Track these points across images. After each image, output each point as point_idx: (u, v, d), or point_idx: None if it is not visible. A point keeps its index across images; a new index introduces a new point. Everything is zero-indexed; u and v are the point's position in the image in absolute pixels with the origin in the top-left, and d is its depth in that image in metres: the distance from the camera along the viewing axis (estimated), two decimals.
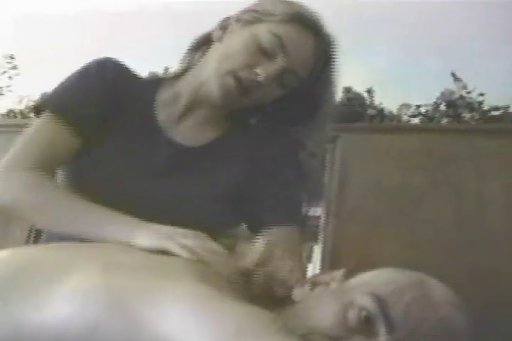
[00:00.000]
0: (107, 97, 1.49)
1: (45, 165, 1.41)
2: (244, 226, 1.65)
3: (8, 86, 3.81)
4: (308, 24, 1.47)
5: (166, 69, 1.65)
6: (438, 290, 1.04)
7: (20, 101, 3.69)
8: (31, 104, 3.60)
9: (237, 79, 1.44)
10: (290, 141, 1.54)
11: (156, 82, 1.60)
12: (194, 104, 1.56)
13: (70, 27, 3.77)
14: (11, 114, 3.68)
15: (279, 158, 1.56)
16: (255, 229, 1.55)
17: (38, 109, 1.50)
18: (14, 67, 3.82)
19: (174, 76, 1.61)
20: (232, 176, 1.52)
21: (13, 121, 3.55)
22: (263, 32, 1.45)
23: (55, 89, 1.52)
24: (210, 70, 1.49)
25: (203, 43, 1.58)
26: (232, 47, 1.48)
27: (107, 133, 1.49)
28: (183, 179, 1.49)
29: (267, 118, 1.62)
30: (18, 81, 3.82)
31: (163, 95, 1.57)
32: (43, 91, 3.51)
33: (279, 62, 1.43)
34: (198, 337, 0.81)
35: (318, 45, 1.47)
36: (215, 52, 1.51)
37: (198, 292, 0.91)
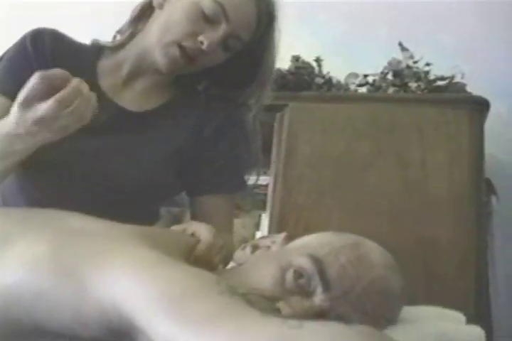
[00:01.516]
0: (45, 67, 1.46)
1: None
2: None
3: None
4: None
5: (115, 36, 1.62)
6: (374, 252, 1.07)
7: None
8: None
9: (182, 48, 1.45)
10: (235, 107, 1.60)
11: (97, 51, 1.61)
12: (138, 72, 1.57)
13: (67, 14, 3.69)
14: None
15: (223, 126, 1.60)
16: (193, 194, 1.57)
17: None
18: None
19: (117, 45, 1.60)
20: (174, 142, 1.54)
21: None
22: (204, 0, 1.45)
23: None
24: (153, 40, 1.50)
25: (145, 10, 1.59)
26: (173, 16, 1.48)
27: None
28: (123, 141, 1.49)
29: (213, 84, 1.64)
30: None
31: (106, 63, 1.59)
32: None
33: (222, 29, 1.45)
34: (143, 301, 0.82)
35: (259, 7, 1.50)
36: (157, 20, 1.52)
37: (144, 256, 0.92)
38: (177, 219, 2.38)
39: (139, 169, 1.50)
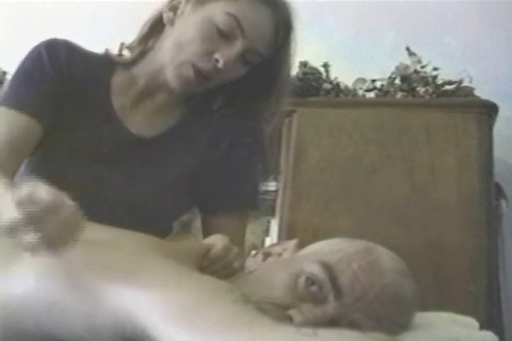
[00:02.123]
0: (61, 85, 1.44)
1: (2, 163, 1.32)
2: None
3: None
4: None
5: (122, 44, 1.58)
6: (385, 258, 1.07)
7: None
8: None
9: (196, 69, 1.39)
10: (249, 122, 1.53)
11: (110, 65, 1.54)
12: (150, 91, 1.51)
13: (22, 3, 3.70)
14: None
15: (238, 142, 1.55)
16: (206, 212, 1.55)
17: None
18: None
19: (128, 62, 1.54)
20: (188, 164, 1.52)
21: None
22: (217, 13, 1.39)
23: (8, 83, 1.45)
24: (166, 59, 1.43)
25: (155, 28, 1.51)
26: (186, 33, 1.41)
27: (63, 121, 1.45)
28: (132, 169, 1.46)
29: (227, 99, 1.56)
30: None
31: (118, 80, 1.52)
32: (1, 70, 3.46)
33: (238, 44, 1.38)
34: (155, 312, 0.82)
35: (276, 18, 1.42)
36: (169, 37, 1.45)
37: (156, 266, 0.92)
38: (186, 226, 2.38)
39: (152, 196, 1.46)
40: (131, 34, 1.54)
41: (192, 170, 1.54)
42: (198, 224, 1.71)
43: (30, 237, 0.86)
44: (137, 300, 0.85)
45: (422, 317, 1.16)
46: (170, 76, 1.42)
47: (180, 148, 1.52)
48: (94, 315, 0.88)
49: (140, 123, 1.51)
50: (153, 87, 1.50)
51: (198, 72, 1.39)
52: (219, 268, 1.17)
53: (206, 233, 1.51)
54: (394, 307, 1.02)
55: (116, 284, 0.88)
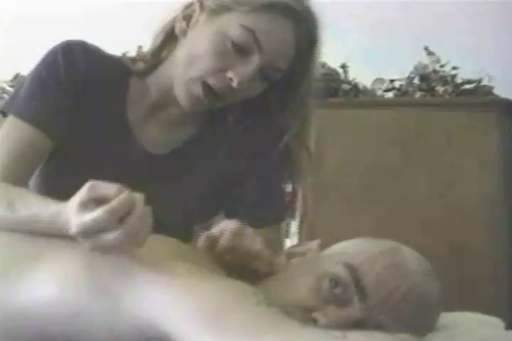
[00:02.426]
0: (75, 95, 1.38)
1: (10, 174, 1.29)
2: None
3: None
4: (283, 9, 1.28)
5: (140, 47, 1.53)
6: (410, 258, 1.05)
7: None
8: (4, 85, 3.57)
9: (206, 86, 1.28)
10: (270, 131, 1.43)
11: (126, 74, 1.45)
12: (163, 103, 1.44)
13: (41, 7, 3.72)
14: None
15: (258, 154, 1.47)
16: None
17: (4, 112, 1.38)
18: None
19: (142, 72, 1.44)
20: (207, 179, 1.46)
21: None
22: (232, 26, 1.27)
23: (22, 89, 1.39)
24: (177, 74, 1.34)
25: (169, 38, 1.40)
26: (198, 47, 1.31)
27: (75, 135, 1.39)
28: (148, 187, 1.39)
29: (245, 111, 1.45)
30: None
31: (134, 90, 1.45)
32: (16, 72, 3.48)
33: (254, 61, 1.27)
34: (180, 316, 0.81)
35: (298, 31, 1.29)
36: (182, 49, 1.36)
37: (176, 270, 0.92)
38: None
39: (171, 213, 1.40)
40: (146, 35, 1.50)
41: (211, 184, 1.46)
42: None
43: (113, 236, 0.88)
44: (160, 305, 0.84)
45: (447, 317, 1.15)
46: (179, 93, 1.33)
47: (196, 162, 1.45)
48: (117, 322, 0.87)
49: (154, 137, 1.44)
50: (166, 100, 1.41)
51: (208, 89, 1.28)
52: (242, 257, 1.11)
53: None
54: (419, 308, 1.01)
55: (136, 290, 0.88)
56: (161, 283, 0.88)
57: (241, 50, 1.26)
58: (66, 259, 0.97)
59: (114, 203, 0.88)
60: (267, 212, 1.48)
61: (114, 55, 1.48)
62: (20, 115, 1.34)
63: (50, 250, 1.01)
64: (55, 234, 1.01)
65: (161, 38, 1.40)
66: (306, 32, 1.30)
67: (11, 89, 3.59)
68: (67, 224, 0.94)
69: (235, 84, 1.25)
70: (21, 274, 0.99)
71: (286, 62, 1.31)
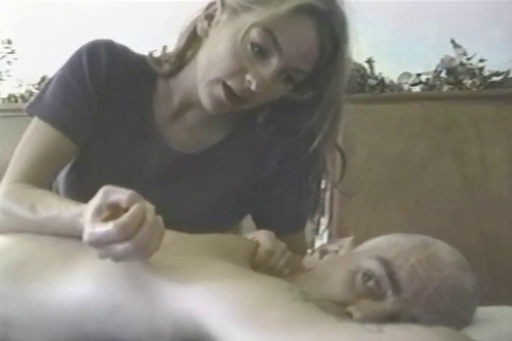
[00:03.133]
0: (99, 97, 1.38)
1: (33, 176, 1.30)
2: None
3: (8, 71, 3.80)
4: (305, 8, 1.23)
5: (165, 47, 1.52)
6: (443, 251, 1.05)
7: (20, 86, 3.69)
8: (31, 87, 3.61)
9: (227, 88, 1.26)
10: (299, 135, 1.39)
11: (152, 75, 1.45)
12: (188, 104, 1.43)
13: (67, 9, 3.75)
14: (11, 98, 3.68)
15: (289, 159, 1.45)
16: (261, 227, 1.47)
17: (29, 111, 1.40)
18: (12, 52, 3.81)
19: (167, 73, 1.44)
20: (231, 182, 1.45)
21: (14, 106, 3.55)
22: (251, 26, 1.23)
23: (47, 91, 1.39)
24: (198, 76, 1.32)
25: (192, 38, 1.39)
26: (217, 48, 1.28)
27: (100, 137, 1.40)
28: (178, 188, 1.42)
29: (274, 112, 1.43)
30: (16, 65, 3.81)
31: (160, 91, 1.45)
32: (42, 75, 3.52)
33: (273, 63, 1.24)
34: (217, 311, 0.82)
35: (321, 32, 1.25)
36: (204, 50, 1.34)
37: (214, 266, 0.92)
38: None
39: (197, 214, 1.41)
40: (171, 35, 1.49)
41: (239, 187, 1.46)
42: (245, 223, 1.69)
43: (123, 247, 0.88)
44: (197, 301, 0.85)
45: (483, 311, 1.14)
46: (201, 94, 1.31)
47: (224, 164, 1.44)
48: (154, 317, 0.88)
49: (181, 137, 1.44)
50: (190, 102, 1.40)
51: (229, 91, 1.26)
52: (262, 270, 1.13)
53: None
54: (454, 301, 1.01)
55: (175, 286, 0.88)
56: (198, 278, 0.88)
57: (260, 52, 1.23)
58: None
59: (125, 219, 0.89)
60: (294, 219, 1.48)
61: (141, 55, 1.47)
62: (44, 117, 1.36)
63: (83, 249, 1.02)
64: (75, 235, 1.02)
65: (185, 39, 1.39)
66: (330, 32, 1.25)
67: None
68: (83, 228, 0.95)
69: (253, 86, 1.23)
70: (56, 273, 1.00)
71: (310, 63, 1.27)
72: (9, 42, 3.82)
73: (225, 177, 1.45)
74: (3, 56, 3.81)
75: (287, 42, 1.22)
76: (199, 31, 1.34)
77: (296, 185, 1.46)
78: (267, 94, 1.29)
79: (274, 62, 1.23)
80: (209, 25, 1.32)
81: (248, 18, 1.23)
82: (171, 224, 1.19)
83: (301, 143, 1.38)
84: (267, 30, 1.21)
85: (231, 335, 0.78)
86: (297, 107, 1.37)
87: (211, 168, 1.43)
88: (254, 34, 1.21)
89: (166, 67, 1.42)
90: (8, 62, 3.81)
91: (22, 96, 3.65)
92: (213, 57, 1.27)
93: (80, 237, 0.95)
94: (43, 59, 3.27)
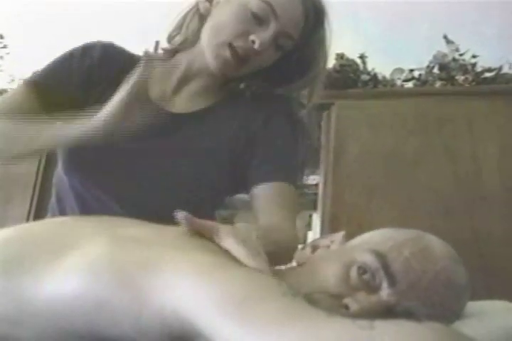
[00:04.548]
0: (89, 76, 1.51)
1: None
2: (239, 195, 1.63)
3: None
4: None
5: (157, 42, 1.58)
6: (436, 244, 1.06)
7: (12, 81, 3.68)
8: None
9: (233, 49, 1.43)
10: (282, 101, 1.57)
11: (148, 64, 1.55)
12: (188, 77, 1.56)
13: (59, 4, 3.74)
14: (3, 93, 3.67)
15: (270, 118, 1.57)
16: (247, 189, 1.54)
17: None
18: (4, 47, 3.80)
19: (169, 53, 1.58)
20: (222, 140, 1.53)
21: None
22: (251, 0, 1.44)
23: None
24: (205, 43, 1.48)
25: (193, 16, 1.56)
26: (222, 18, 1.47)
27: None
28: (172, 142, 1.49)
29: (258, 82, 1.61)
30: (8, 60, 3.80)
31: (154, 73, 1.54)
32: (34, 70, 3.52)
33: (271, 27, 1.43)
34: (205, 306, 0.81)
35: (305, 4, 1.47)
36: (207, 25, 1.51)
37: (202, 261, 0.91)
38: (227, 222, 2.38)
39: (189, 167, 1.48)
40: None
41: (227, 146, 1.54)
42: (238, 219, 1.70)
43: None
44: (185, 296, 0.84)
45: (475, 306, 1.14)
46: (209, 58, 1.47)
47: (216, 125, 1.55)
48: (141, 313, 0.87)
49: (179, 105, 1.56)
50: (192, 72, 1.55)
51: (235, 51, 1.44)
52: None
53: (253, 210, 1.49)
54: (448, 293, 1.01)
55: (160, 280, 0.88)
56: (186, 273, 0.87)
57: (260, 19, 1.43)
58: (89, 251, 0.97)
59: None
60: (278, 168, 1.53)
61: (137, 55, 1.57)
62: (27, 81, 1.53)
63: (73, 242, 1.01)
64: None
65: (197, 19, 1.55)
66: (311, 5, 1.47)
67: None
68: None
69: (256, 45, 1.42)
70: (45, 269, 1.00)
71: (297, 30, 1.47)
72: (1, 37, 3.81)
73: (216, 137, 1.53)
74: None
75: (281, 11, 1.44)
76: (202, 10, 1.52)
77: (272, 142, 1.56)
78: (263, 57, 1.47)
79: (271, 26, 1.43)
80: (210, 5, 1.51)
81: None
82: (165, 181, 1.37)
83: (283, 106, 1.57)
84: (265, 1, 1.43)
85: (220, 331, 0.77)
86: (280, 76, 1.55)
87: (199, 129, 1.54)
88: (255, 5, 1.43)
89: (168, 47, 1.58)
90: (0, 57, 3.80)
91: None
92: (219, 25, 1.47)
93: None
94: (35, 54, 3.27)
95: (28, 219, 3.06)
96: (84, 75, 1.51)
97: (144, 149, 1.46)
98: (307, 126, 1.58)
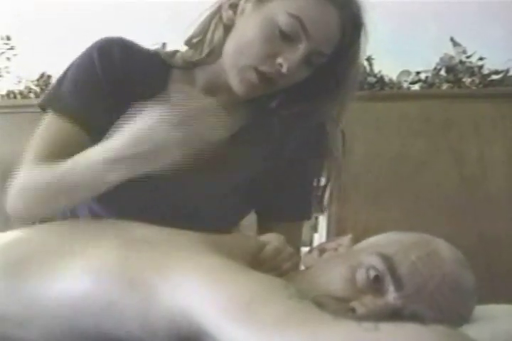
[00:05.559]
0: (115, 90, 1.37)
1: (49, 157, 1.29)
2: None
3: (7, 67, 3.80)
4: None
5: (164, 44, 1.53)
6: (442, 248, 1.06)
7: (19, 82, 3.69)
8: (30, 84, 3.61)
9: (259, 73, 1.30)
10: (316, 122, 1.45)
11: (167, 68, 1.46)
12: (210, 91, 1.41)
13: (66, 6, 3.75)
14: (10, 94, 3.68)
15: (304, 144, 1.46)
16: (262, 220, 1.52)
17: (42, 106, 1.39)
18: (12, 48, 3.81)
19: (188, 65, 1.45)
20: (248, 170, 1.46)
21: (13, 102, 3.55)
22: (279, 13, 1.28)
23: (58, 85, 1.39)
24: (228, 64, 1.36)
25: (217, 24, 1.40)
26: (246, 35, 1.32)
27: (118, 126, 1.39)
28: (195, 175, 1.40)
29: (290, 99, 1.45)
30: (16, 62, 3.81)
31: (175, 82, 1.44)
32: (41, 71, 3.53)
33: (302, 48, 1.29)
34: (212, 307, 0.81)
35: (342, 16, 1.31)
36: (230, 39, 1.37)
37: (210, 263, 0.92)
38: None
39: (211, 201, 1.41)
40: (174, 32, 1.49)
41: (252, 178, 1.46)
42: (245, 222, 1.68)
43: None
44: (192, 297, 0.84)
45: (481, 310, 1.14)
46: (233, 80, 1.35)
47: (244, 152, 1.43)
48: (149, 314, 0.88)
49: None
50: (215, 87, 1.42)
51: (261, 75, 1.30)
52: (266, 269, 1.14)
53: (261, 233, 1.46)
54: (455, 297, 1.01)
55: (169, 282, 0.88)
56: (194, 275, 0.88)
57: (288, 38, 1.28)
58: (99, 253, 0.98)
59: None
60: (300, 207, 1.49)
61: (152, 51, 1.47)
62: (56, 110, 1.35)
63: (83, 243, 1.02)
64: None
65: (221, 29, 1.40)
66: (350, 16, 1.32)
67: (37, 88, 3.65)
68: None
69: (284, 69, 1.27)
70: (54, 270, 1.00)
71: (331, 47, 1.32)
72: (8, 38, 3.82)
73: (240, 168, 1.44)
74: (3, 52, 3.81)
75: (313, 28, 1.27)
76: (225, 19, 1.37)
77: (303, 177, 1.49)
78: (293, 76, 1.33)
79: (301, 46, 1.28)
80: (234, 13, 1.36)
81: (275, 6, 1.29)
82: (185, 209, 1.23)
83: (314, 131, 1.44)
84: (294, 16, 1.27)
85: (226, 332, 0.78)
86: (310, 94, 1.41)
87: (227, 158, 1.40)
88: (284, 21, 1.27)
89: (196, 57, 1.44)
90: (8, 59, 3.81)
91: (21, 93, 3.65)
92: (243, 44, 1.32)
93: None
94: (42, 55, 3.28)
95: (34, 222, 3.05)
96: (111, 85, 1.37)
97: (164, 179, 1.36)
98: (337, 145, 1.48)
